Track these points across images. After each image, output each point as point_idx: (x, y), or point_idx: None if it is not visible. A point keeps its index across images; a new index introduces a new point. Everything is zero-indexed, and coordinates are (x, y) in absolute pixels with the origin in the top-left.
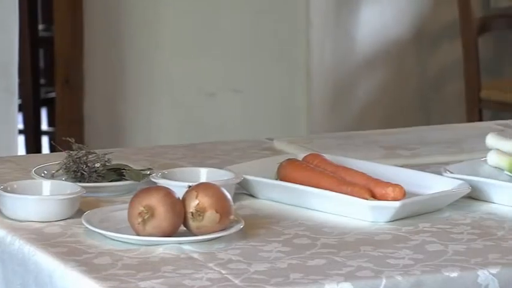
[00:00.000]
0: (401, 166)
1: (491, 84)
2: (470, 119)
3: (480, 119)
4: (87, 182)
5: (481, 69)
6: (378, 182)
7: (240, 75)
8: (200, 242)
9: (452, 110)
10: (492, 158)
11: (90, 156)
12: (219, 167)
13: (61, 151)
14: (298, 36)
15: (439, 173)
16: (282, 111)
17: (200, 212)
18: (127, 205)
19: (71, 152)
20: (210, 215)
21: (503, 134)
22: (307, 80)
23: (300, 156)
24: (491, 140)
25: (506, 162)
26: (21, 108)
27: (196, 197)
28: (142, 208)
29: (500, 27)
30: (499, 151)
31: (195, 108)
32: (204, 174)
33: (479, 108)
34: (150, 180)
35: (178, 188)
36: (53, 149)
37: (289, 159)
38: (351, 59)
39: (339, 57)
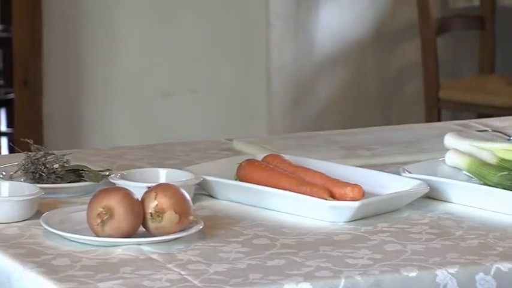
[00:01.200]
0: (361, 166)
1: (449, 84)
2: (429, 119)
3: (439, 119)
4: (46, 183)
5: (440, 70)
6: (337, 182)
7: (199, 75)
8: (159, 242)
9: (412, 110)
10: (450, 158)
11: (48, 157)
12: (178, 167)
13: (19, 152)
14: (258, 37)
15: (398, 173)
16: (241, 112)
17: (159, 212)
18: (86, 206)
19: (30, 153)
20: (169, 216)
21: (461, 134)
22: (267, 80)
23: (259, 156)
24: (449, 140)
25: (464, 162)
26: None
27: (155, 198)
28: (101, 209)
29: (458, 27)
30: (457, 151)
31: (153, 109)
32: (163, 175)
33: (438, 108)
34: (109, 181)
35: (138, 189)
36: (11, 150)
37: (248, 159)
38: (311, 59)
39: (298, 57)
